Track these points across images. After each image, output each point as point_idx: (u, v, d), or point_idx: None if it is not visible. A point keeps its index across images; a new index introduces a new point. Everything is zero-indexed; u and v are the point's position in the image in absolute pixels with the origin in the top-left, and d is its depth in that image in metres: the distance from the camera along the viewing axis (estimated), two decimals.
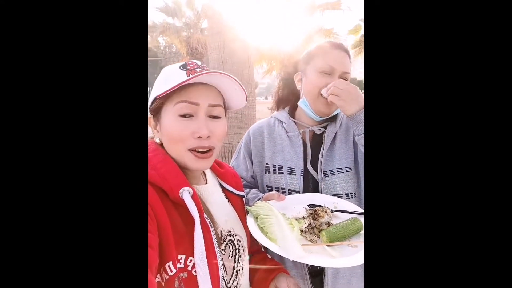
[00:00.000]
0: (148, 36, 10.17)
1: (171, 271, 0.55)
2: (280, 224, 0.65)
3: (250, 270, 0.74)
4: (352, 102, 0.79)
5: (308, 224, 0.71)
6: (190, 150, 0.60)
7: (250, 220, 0.69)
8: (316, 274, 0.88)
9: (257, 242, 0.64)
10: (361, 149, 0.84)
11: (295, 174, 0.90)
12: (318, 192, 0.88)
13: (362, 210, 0.77)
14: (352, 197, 0.88)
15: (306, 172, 0.90)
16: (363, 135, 0.79)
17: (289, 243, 0.60)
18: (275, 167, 0.92)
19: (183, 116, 0.59)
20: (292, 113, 1.00)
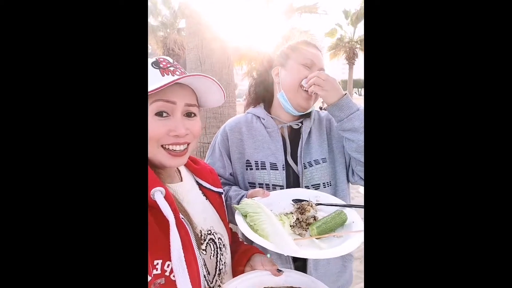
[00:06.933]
0: None
1: None
2: (272, 221, 0.66)
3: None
4: (333, 91, 0.86)
5: (296, 219, 0.74)
6: (163, 147, 0.59)
7: (239, 219, 0.69)
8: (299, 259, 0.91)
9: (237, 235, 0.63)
10: (343, 134, 0.87)
11: (278, 169, 0.92)
12: (299, 184, 0.91)
13: (343, 202, 0.82)
14: (329, 186, 0.94)
15: (287, 165, 0.93)
16: (344, 120, 0.84)
17: (282, 239, 0.61)
18: (258, 163, 0.94)
19: (159, 115, 0.58)
20: (268, 109, 1.01)
